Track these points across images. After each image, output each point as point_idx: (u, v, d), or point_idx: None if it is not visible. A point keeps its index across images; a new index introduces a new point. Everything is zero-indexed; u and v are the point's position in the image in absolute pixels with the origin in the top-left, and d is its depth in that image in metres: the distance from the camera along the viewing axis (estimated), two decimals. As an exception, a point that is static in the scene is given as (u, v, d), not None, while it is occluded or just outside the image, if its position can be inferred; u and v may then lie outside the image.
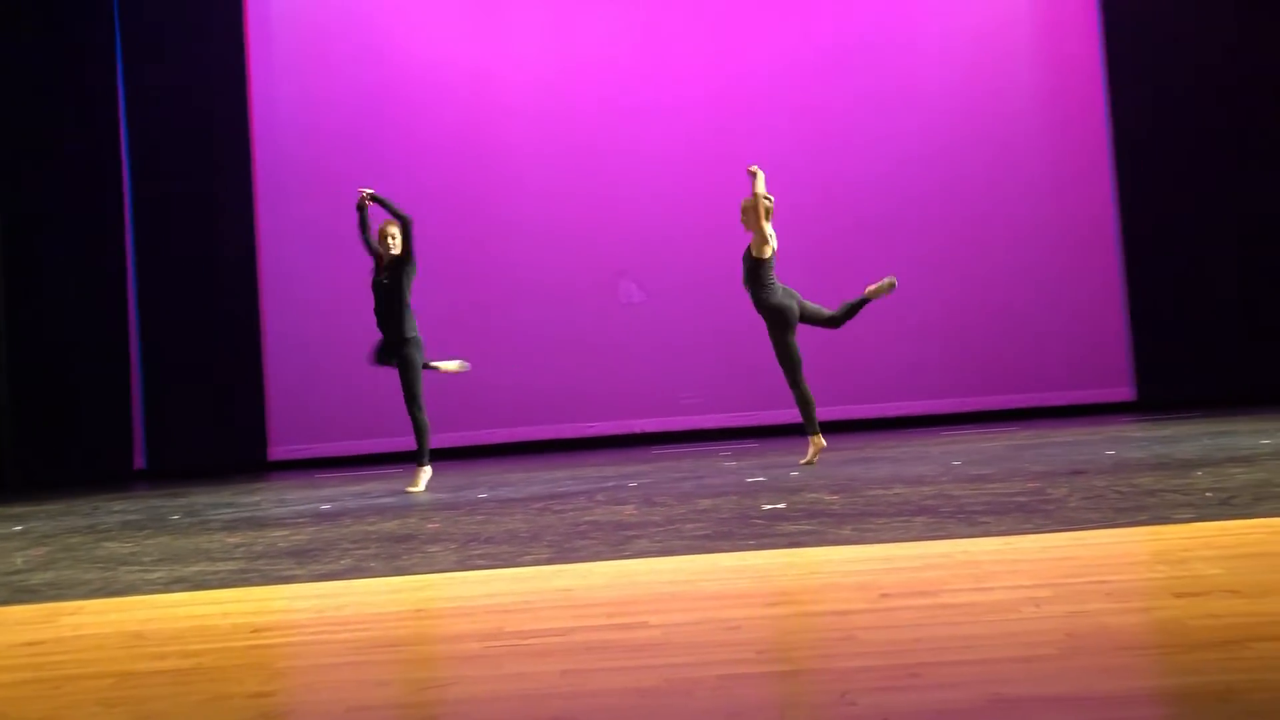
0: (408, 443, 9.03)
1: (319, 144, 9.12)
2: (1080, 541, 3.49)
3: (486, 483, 6.59)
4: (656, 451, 8.17)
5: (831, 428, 8.84)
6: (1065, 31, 9.11)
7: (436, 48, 9.19)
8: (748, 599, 2.95)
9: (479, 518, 4.95)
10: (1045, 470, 5.29)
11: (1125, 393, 8.98)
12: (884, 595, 2.90)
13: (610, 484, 6.10)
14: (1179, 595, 2.71)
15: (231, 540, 4.76)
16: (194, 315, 8.95)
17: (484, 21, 9.19)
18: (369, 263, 9.16)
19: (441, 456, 8.85)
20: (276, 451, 9.08)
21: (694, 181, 9.03)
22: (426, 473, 6.44)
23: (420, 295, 9.14)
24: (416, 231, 6.46)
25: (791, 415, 8.94)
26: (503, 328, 8.89)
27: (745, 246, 6.55)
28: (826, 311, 6.56)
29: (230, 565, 4.08)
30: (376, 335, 9.10)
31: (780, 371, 6.44)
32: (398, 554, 4.10)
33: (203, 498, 6.85)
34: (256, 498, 6.69)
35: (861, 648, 2.41)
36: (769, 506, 4.68)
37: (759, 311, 6.48)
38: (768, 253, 6.47)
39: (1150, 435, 6.74)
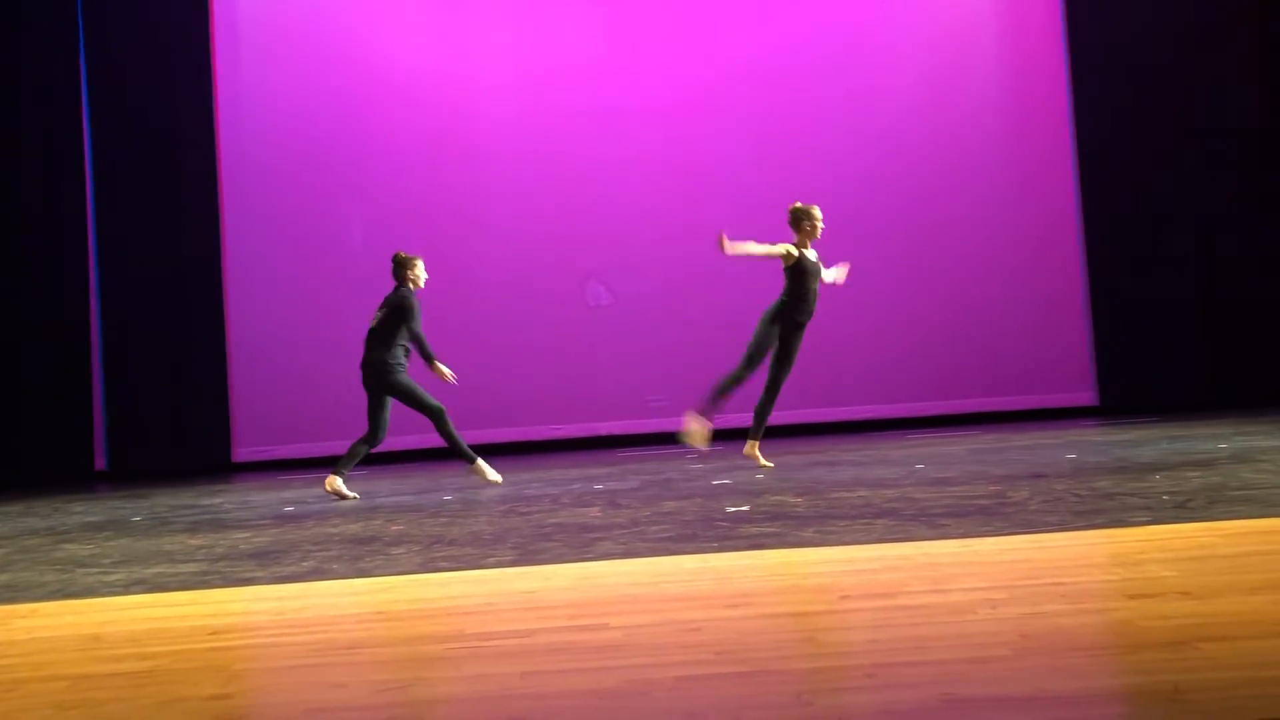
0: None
1: (285, 145, 9.06)
2: (1038, 544, 3.54)
3: (452, 485, 6.57)
4: (623, 454, 8.18)
5: (797, 431, 8.90)
6: (1029, 35, 9.21)
7: (404, 49, 9.16)
8: (709, 601, 2.97)
9: (443, 520, 4.94)
10: (1006, 474, 5.35)
11: (1087, 397, 9.08)
12: (843, 597, 2.92)
13: (576, 486, 6.10)
14: (1132, 597, 2.76)
15: (193, 542, 4.73)
16: (157, 316, 8.87)
17: (452, 24, 9.18)
18: (334, 263, 9.15)
19: (407, 459, 8.83)
20: (241, 453, 9.01)
21: (662, 184, 9.06)
22: (483, 467, 6.35)
23: (381, 296, 9.12)
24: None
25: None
26: (469, 330, 8.87)
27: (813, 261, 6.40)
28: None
29: (191, 567, 4.05)
30: (344, 336, 9.08)
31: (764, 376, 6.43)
32: (360, 556, 4.09)
33: (165, 499, 6.79)
34: (219, 499, 6.64)
35: (819, 648, 2.44)
36: (733, 509, 4.70)
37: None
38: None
39: (1110, 439, 6.83)
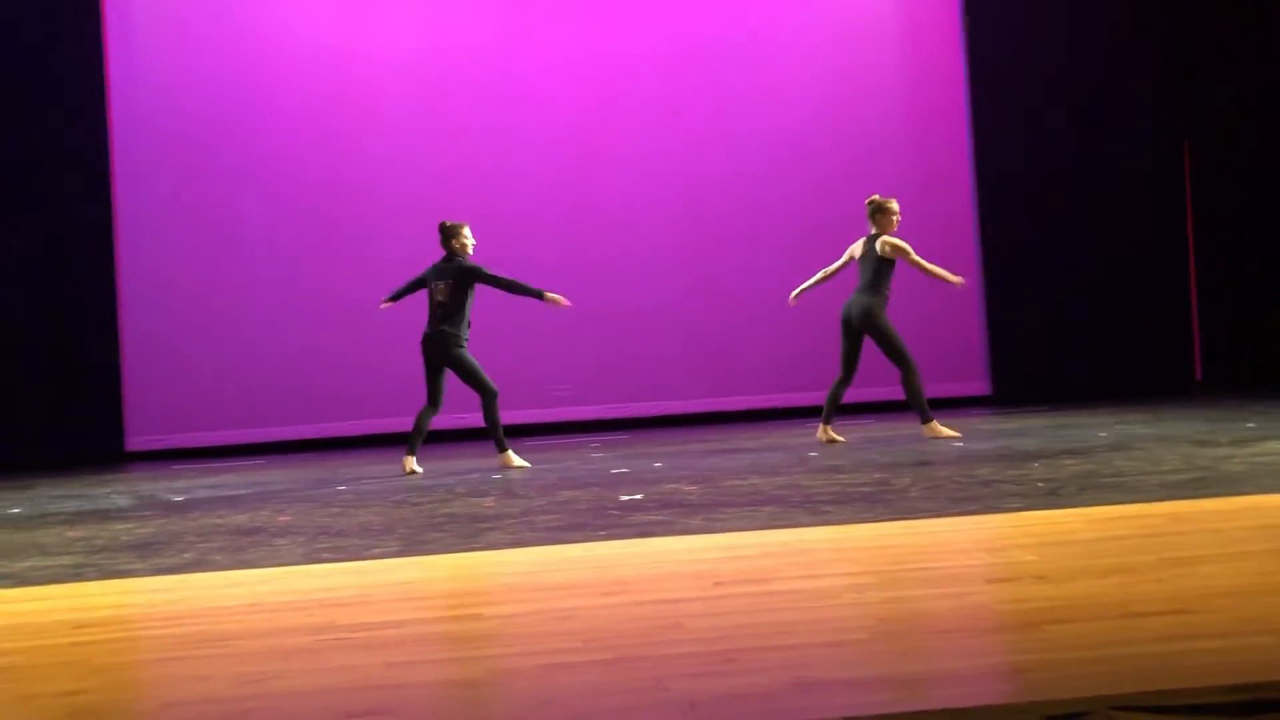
0: (271, 433, 8.89)
1: (181, 120, 8.83)
2: (912, 530, 3.64)
3: (349, 475, 6.51)
4: (527, 443, 8.17)
5: (699, 420, 9.00)
6: (928, 33, 9.39)
7: (303, 24, 8.99)
8: (585, 589, 2.99)
9: (334, 511, 4.89)
10: (894, 462, 5.48)
11: (980, 387, 9.33)
12: (717, 584, 2.97)
13: (474, 476, 6.09)
14: (991, 581, 2.86)
15: (72, 534, 4.61)
16: (44, 297, 8.59)
17: None
18: (233, 245, 8.95)
19: (304, 448, 8.70)
20: (134, 442, 8.79)
21: (561, 170, 9.05)
22: (511, 455, 6.35)
23: (283, 278, 8.95)
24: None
25: (660, 408, 9.08)
26: (368, 314, 8.77)
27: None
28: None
29: (65, 560, 3.95)
30: (241, 319, 8.91)
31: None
32: (244, 547, 4.03)
33: (50, 490, 6.60)
34: (107, 489, 6.48)
35: (685, 635, 2.48)
36: (626, 498, 4.74)
37: None
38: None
39: (998, 428, 7.03)
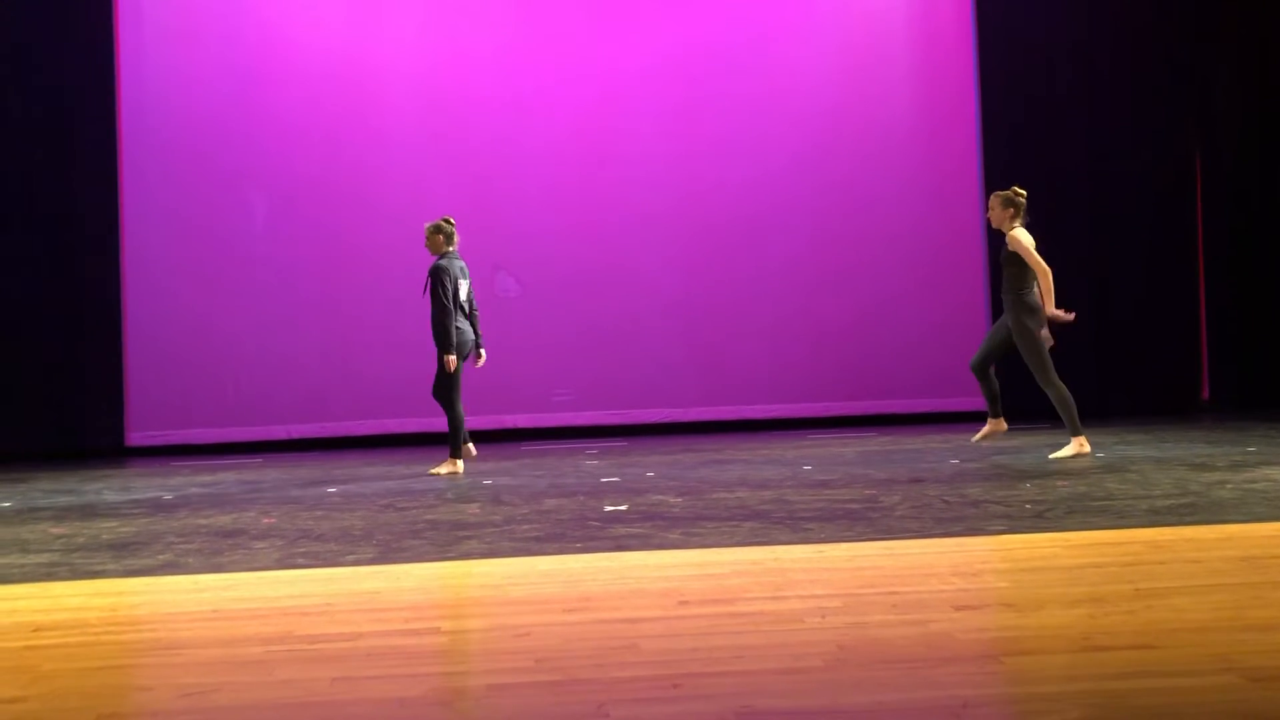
0: (272, 432, 8.89)
1: (188, 123, 8.84)
2: (889, 551, 3.59)
3: (341, 477, 6.49)
4: (526, 448, 8.15)
5: (698, 429, 8.94)
6: (939, 42, 9.31)
7: (311, 29, 8.99)
8: (549, 605, 2.96)
9: (318, 514, 4.88)
10: (886, 478, 5.42)
11: (982, 401, 9.21)
12: (682, 602, 2.94)
13: (466, 480, 6.07)
14: (959, 608, 2.81)
15: (55, 531, 4.61)
16: (49, 292, 8.61)
17: (359, 8, 9.03)
18: (238, 244, 8.97)
19: (305, 448, 8.69)
20: (135, 437, 8.80)
21: (570, 177, 9.01)
22: (452, 464, 6.36)
23: (289, 282, 8.96)
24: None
25: (661, 415, 9.04)
26: (374, 318, 8.77)
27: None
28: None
29: (42, 558, 3.95)
30: (244, 317, 8.92)
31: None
32: (221, 550, 4.02)
33: (44, 484, 6.61)
34: (100, 485, 6.49)
35: (639, 656, 2.44)
36: (611, 508, 4.70)
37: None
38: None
39: (997, 445, 6.95)
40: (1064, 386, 6.13)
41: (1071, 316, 6.20)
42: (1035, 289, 6.13)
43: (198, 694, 2.22)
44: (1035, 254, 6.12)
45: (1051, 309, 6.10)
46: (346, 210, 8.87)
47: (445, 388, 6.35)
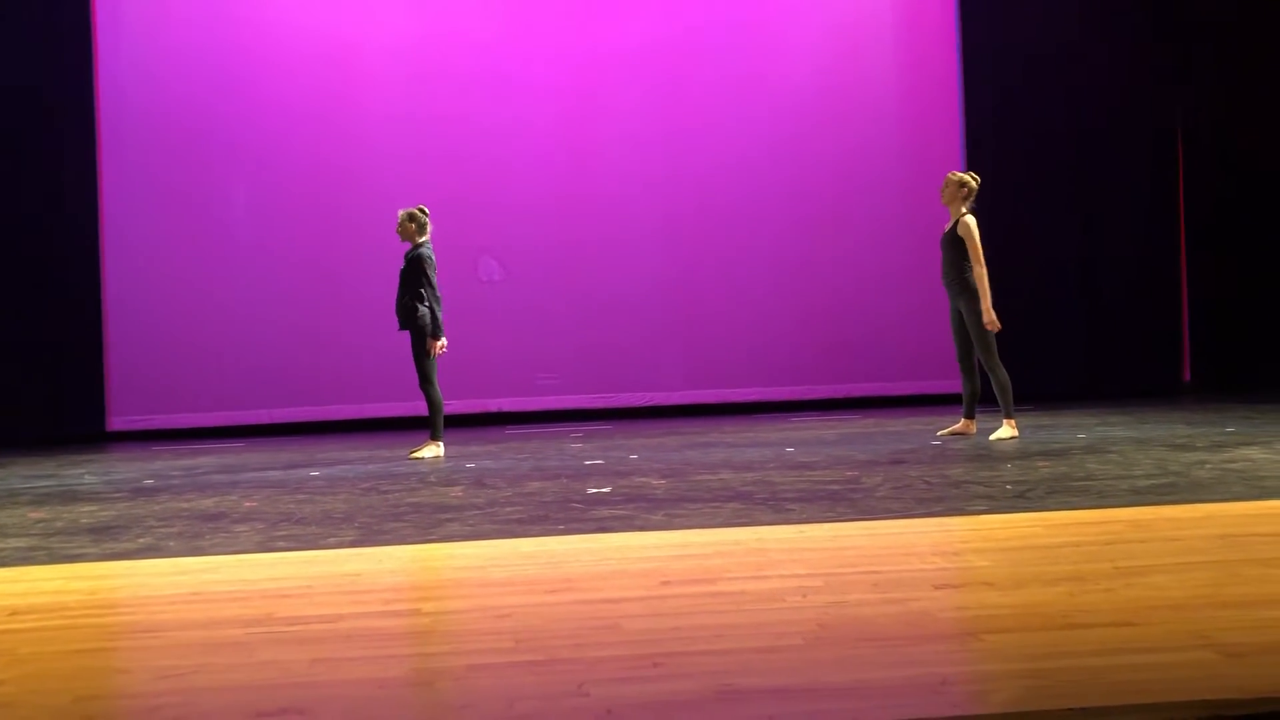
0: (255, 416, 8.85)
1: (168, 102, 8.76)
2: (870, 531, 3.60)
3: (323, 461, 6.47)
4: (510, 431, 8.14)
5: (683, 412, 8.95)
6: (923, 30, 9.31)
7: (293, 11, 8.92)
8: (530, 586, 2.96)
9: (300, 497, 4.86)
10: (868, 459, 5.43)
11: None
12: (664, 583, 2.94)
13: (449, 464, 6.05)
14: (939, 587, 2.81)
15: (34, 515, 4.58)
16: (27, 275, 8.54)
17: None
18: (219, 227, 8.91)
19: (287, 432, 8.66)
20: (116, 422, 8.75)
21: (553, 159, 8.98)
22: (432, 449, 6.34)
23: (268, 261, 8.90)
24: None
25: (646, 399, 9.04)
26: (356, 302, 8.72)
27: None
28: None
29: (20, 542, 3.92)
30: (227, 300, 8.86)
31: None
32: (201, 533, 4.00)
33: (23, 469, 6.57)
34: (81, 470, 6.45)
35: (620, 636, 2.44)
36: (594, 490, 4.70)
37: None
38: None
39: (980, 427, 6.95)
40: (1005, 371, 6.23)
41: (999, 328, 6.25)
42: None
43: (176, 676, 2.21)
44: (979, 245, 6.15)
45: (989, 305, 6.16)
46: (328, 194, 8.82)
47: (428, 372, 6.34)
